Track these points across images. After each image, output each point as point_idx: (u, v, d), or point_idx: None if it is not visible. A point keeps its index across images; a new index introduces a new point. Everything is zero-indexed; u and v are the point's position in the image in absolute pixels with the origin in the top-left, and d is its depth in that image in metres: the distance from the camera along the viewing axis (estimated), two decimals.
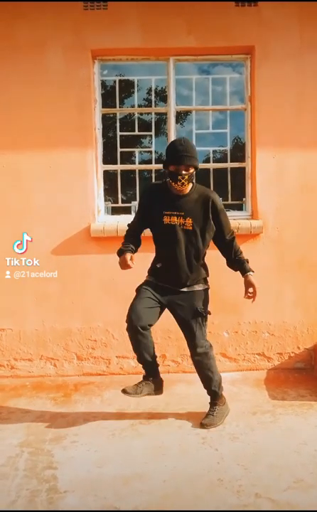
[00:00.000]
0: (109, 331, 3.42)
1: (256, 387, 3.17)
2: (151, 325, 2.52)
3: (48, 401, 3.01)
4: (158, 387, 2.64)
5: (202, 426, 2.56)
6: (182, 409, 2.71)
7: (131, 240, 2.56)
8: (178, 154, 2.36)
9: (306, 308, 3.45)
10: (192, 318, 2.54)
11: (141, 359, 2.60)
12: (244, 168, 3.58)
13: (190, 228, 2.46)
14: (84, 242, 3.39)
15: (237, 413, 2.74)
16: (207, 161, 3.79)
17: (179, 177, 2.36)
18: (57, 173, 3.38)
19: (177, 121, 3.61)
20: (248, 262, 2.58)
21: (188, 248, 2.48)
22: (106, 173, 3.57)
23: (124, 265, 2.45)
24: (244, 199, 3.61)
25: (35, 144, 3.35)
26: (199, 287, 2.58)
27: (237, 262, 2.59)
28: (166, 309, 2.59)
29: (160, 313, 2.58)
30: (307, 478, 2.07)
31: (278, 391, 3.09)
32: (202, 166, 3.68)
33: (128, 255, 2.45)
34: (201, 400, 2.73)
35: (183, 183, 2.39)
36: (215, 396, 2.66)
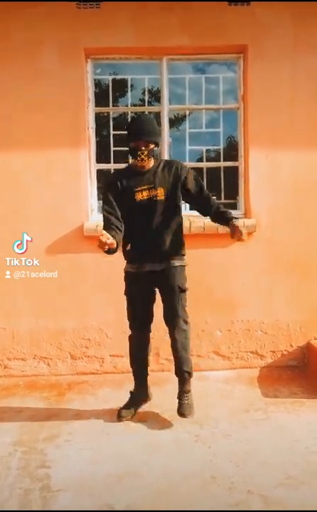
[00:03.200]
0: (103, 330, 3.42)
1: (249, 385, 3.19)
2: (151, 324, 2.64)
3: (42, 400, 3.01)
4: (148, 394, 2.77)
5: (184, 415, 2.57)
6: (175, 407, 2.71)
7: (113, 225, 2.47)
8: (136, 130, 2.42)
9: (299, 306, 3.48)
10: (174, 296, 2.56)
11: (140, 369, 2.67)
12: (237, 167, 3.59)
13: (162, 198, 2.50)
14: (77, 241, 3.39)
15: (230, 411, 2.76)
16: (200, 160, 3.79)
17: (139, 152, 2.41)
18: (51, 172, 3.37)
19: (170, 120, 3.61)
20: (230, 213, 2.52)
21: (163, 219, 2.51)
22: (99, 172, 3.56)
23: (101, 244, 2.24)
24: (237, 198, 3.62)
25: (28, 143, 3.34)
26: (178, 263, 2.58)
27: (219, 214, 2.51)
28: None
29: (154, 300, 2.64)
30: (298, 475, 2.09)
31: (270, 389, 3.11)
32: (195, 165, 3.72)
33: (103, 235, 2.28)
34: (194, 397, 2.73)
35: (142, 159, 2.43)
36: (188, 378, 2.65)
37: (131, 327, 2.68)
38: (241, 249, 3.43)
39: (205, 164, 3.70)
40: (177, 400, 2.65)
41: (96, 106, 3.54)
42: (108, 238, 2.25)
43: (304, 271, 3.47)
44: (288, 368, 3.45)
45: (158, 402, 2.84)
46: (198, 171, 3.62)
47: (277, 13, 3.34)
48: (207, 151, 3.84)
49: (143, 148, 2.41)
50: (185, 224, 3.22)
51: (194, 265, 3.31)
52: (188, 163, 3.66)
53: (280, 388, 3.12)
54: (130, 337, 2.73)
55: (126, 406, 2.71)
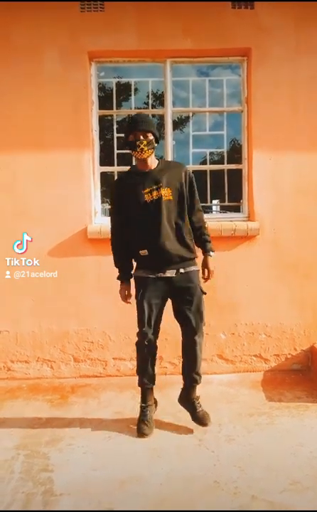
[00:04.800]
0: (106, 333, 3.41)
1: (253, 389, 3.17)
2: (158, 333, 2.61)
3: (45, 403, 3.01)
4: (155, 403, 2.74)
5: (206, 424, 2.52)
6: (178, 411, 2.70)
7: (123, 253, 2.59)
8: (132, 123, 2.42)
9: (303, 309, 3.46)
10: (197, 300, 2.51)
11: (147, 376, 2.60)
12: (240, 170, 3.58)
13: (171, 198, 2.47)
14: (81, 244, 3.39)
15: (234, 415, 2.74)
16: (204, 162, 3.80)
17: (138, 142, 2.38)
18: (55, 174, 3.38)
19: (174, 123, 3.61)
20: (210, 242, 2.59)
21: (174, 220, 2.47)
22: (103, 174, 3.57)
23: (124, 300, 2.62)
24: (241, 201, 3.62)
25: (33, 146, 3.35)
26: (195, 267, 2.56)
27: (200, 240, 2.59)
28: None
29: (164, 308, 2.59)
30: (303, 480, 2.07)
31: (274, 393, 3.10)
32: (199, 167, 3.72)
33: (124, 291, 2.61)
34: None
35: (142, 149, 2.39)
36: (197, 382, 2.60)
37: (140, 334, 2.55)
38: (244, 252, 3.42)
39: (208, 167, 3.69)
40: (185, 407, 2.61)
41: (100, 109, 3.55)
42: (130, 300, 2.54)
43: (308, 274, 3.45)
44: (292, 371, 3.44)
45: (160, 406, 2.83)
46: (202, 173, 3.64)
47: (280, 16, 3.34)
48: (211, 153, 3.85)
49: (141, 137, 2.38)
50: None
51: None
52: (192, 166, 3.67)
53: (284, 392, 3.10)
54: (138, 344, 2.58)
55: (144, 422, 2.57)
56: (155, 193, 2.45)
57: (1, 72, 3.33)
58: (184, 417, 2.67)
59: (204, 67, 3.66)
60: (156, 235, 2.45)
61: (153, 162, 2.51)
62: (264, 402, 2.95)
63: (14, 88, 3.33)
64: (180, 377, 2.66)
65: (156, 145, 2.47)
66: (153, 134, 2.42)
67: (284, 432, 2.54)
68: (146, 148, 2.39)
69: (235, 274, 3.42)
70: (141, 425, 2.54)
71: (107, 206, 3.81)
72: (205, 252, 2.60)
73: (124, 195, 2.52)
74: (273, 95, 3.38)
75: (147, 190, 2.46)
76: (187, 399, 2.61)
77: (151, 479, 2.10)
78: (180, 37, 3.34)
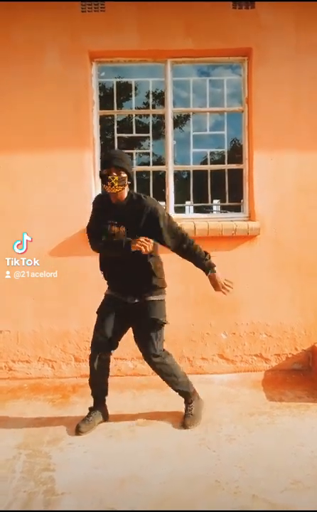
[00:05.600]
0: None
1: (253, 389, 3.18)
2: (114, 350, 2.62)
3: (46, 403, 3.01)
4: (105, 415, 2.71)
5: (185, 427, 2.59)
6: (179, 410, 2.71)
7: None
8: (107, 158, 2.46)
9: (304, 309, 3.46)
10: (149, 330, 2.55)
11: (97, 389, 2.66)
12: (241, 170, 3.58)
13: (123, 237, 2.46)
14: (81, 244, 3.37)
15: (235, 414, 2.75)
16: (204, 162, 3.80)
17: (109, 177, 2.40)
18: (55, 174, 3.38)
19: (175, 123, 3.61)
20: (205, 259, 2.51)
21: (128, 257, 2.45)
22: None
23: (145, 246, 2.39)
24: (241, 200, 3.62)
25: (33, 146, 3.35)
26: (154, 297, 2.56)
27: (194, 261, 2.53)
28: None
29: (125, 330, 2.63)
30: (304, 480, 2.07)
31: (275, 392, 3.10)
32: (199, 167, 3.72)
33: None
34: None
35: (112, 184, 2.41)
36: (187, 395, 2.70)
37: (91, 348, 2.61)
38: (245, 251, 3.42)
39: (209, 167, 3.69)
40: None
41: (100, 109, 3.55)
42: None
43: (309, 273, 3.45)
44: (293, 371, 3.44)
45: (161, 405, 2.84)
46: (203, 173, 3.64)
47: (281, 16, 3.34)
48: (212, 153, 3.84)
49: (114, 174, 2.41)
50: (189, 227, 3.23)
51: (198, 268, 3.32)
52: (192, 166, 3.68)
53: (285, 392, 3.11)
54: (90, 358, 2.62)
55: (85, 420, 2.64)
56: (115, 228, 2.49)
57: (2, 72, 3.33)
58: None
59: (205, 67, 3.67)
60: (115, 264, 2.54)
61: (122, 197, 2.51)
62: (264, 402, 2.95)
63: (15, 88, 3.33)
64: None
65: (128, 182, 2.47)
66: (127, 172, 2.45)
67: (285, 432, 2.54)
68: (116, 184, 2.42)
69: (236, 273, 3.40)
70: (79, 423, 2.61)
71: None
72: (205, 271, 2.52)
73: (97, 215, 2.56)
74: (273, 95, 3.38)
75: (110, 222, 2.51)
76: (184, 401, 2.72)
77: (152, 479, 2.11)
78: (181, 37, 3.34)
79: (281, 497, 1.96)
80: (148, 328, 2.55)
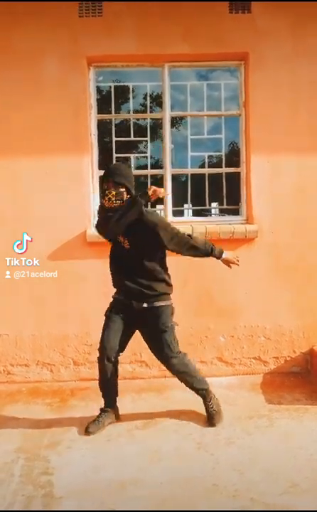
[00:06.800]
0: None
1: (252, 392, 3.18)
2: (121, 352, 2.65)
3: (45, 407, 3.01)
4: (117, 415, 2.72)
5: (213, 424, 2.62)
6: (178, 414, 2.71)
7: None
8: (107, 173, 2.50)
9: (302, 312, 3.47)
10: (158, 336, 2.58)
11: (107, 390, 2.69)
12: (239, 173, 3.60)
13: (127, 247, 2.53)
14: (80, 247, 3.40)
15: (234, 417, 2.75)
16: (202, 166, 3.81)
17: (107, 192, 2.45)
18: (54, 178, 3.39)
19: (172, 127, 3.63)
20: (205, 248, 2.60)
21: (135, 264, 2.53)
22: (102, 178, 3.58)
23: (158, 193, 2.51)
24: (239, 204, 3.63)
25: (32, 150, 3.37)
26: (160, 303, 2.58)
27: (213, 256, 2.65)
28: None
29: (132, 333, 2.66)
30: (302, 483, 2.07)
31: (274, 395, 3.10)
32: (197, 171, 3.74)
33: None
34: (196, 405, 2.74)
35: (109, 198, 2.45)
36: (207, 392, 2.71)
37: (99, 350, 2.66)
38: (243, 254, 3.41)
39: (206, 170, 3.71)
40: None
41: (98, 113, 3.57)
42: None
43: (306, 276, 3.46)
44: (292, 374, 3.44)
45: (160, 408, 2.83)
46: (200, 176, 3.65)
47: (277, 21, 3.37)
48: (209, 157, 3.87)
49: (112, 189, 2.44)
50: (187, 230, 3.24)
51: (196, 271, 3.33)
52: (190, 169, 3.69)
53: (283, 395, 3.11)
54: (98, 360, 2.68)
55: (94, 420, 2.66)
56: (121, 237, 2.54)
57: (1, 77, 3.35)
58: (183, 419, 2.68)
59: (202, 71, 3.69)
60: (120, 271, 2.60)
61: (115, 205, 2.51)
62: (263, 405, 2.95)
63: (14, 93, 3.35)
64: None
65: (128, 196, 2.49)
66: (126, 187, 2.48)
67: (284, 435, 2.54)
68: (113, 199, 2.46)
69: (234, 276, 3.41)
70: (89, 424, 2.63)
71: None
72: (214, 257, 2.64)
73: (102, 223, 2.58)
74: (270, 98, 3.40)
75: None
76: (203, 401, 2.72)
77: (151, 482, 2.11)
78: (178, 41, 3.36)
79: (280, 500, 1.96)
80: (159, 333, 2.57)
